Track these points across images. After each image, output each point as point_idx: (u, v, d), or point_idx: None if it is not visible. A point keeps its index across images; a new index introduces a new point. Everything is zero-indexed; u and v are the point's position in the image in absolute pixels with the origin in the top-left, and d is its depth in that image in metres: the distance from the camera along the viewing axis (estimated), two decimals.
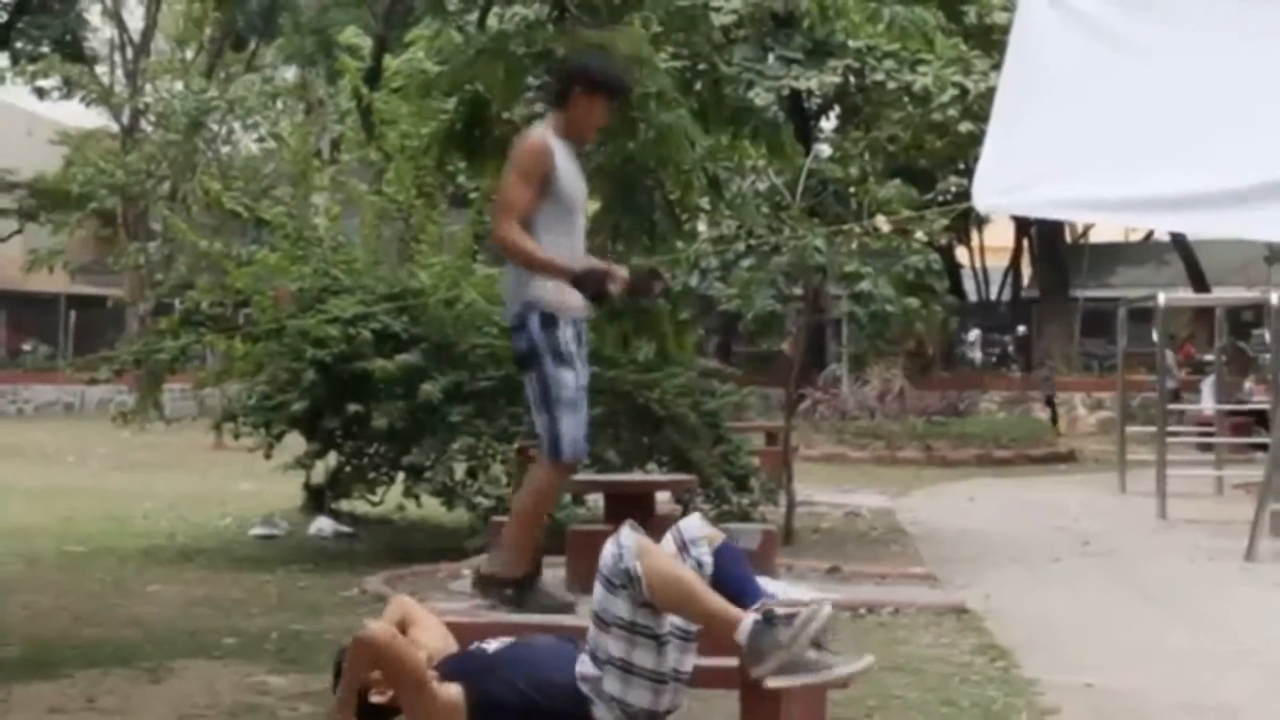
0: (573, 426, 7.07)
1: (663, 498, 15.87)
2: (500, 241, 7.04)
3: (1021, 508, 21.84)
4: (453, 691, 5.50)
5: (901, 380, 33.19)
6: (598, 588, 5.64)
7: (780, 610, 5.64)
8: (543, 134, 7.19)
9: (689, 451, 16.71)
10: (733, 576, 5.83)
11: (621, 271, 7.31)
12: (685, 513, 16.62)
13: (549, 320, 6.84)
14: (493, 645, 5.76)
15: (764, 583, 8.43)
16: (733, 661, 6.19)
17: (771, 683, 5.62)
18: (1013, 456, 29.99)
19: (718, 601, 5.67)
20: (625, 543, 5.58)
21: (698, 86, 17.13)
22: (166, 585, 14.13)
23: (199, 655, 10.72)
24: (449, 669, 5.57)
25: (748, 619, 5.62)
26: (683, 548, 5.77)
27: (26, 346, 49.21)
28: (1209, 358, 32.44)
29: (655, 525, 8.18)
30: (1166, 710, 9.54)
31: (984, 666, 10.77)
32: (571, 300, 7.02)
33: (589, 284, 6.92)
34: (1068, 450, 31.56)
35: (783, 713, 5.99)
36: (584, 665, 5.58)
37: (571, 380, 6.93)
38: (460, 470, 16.12)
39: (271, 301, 16.27)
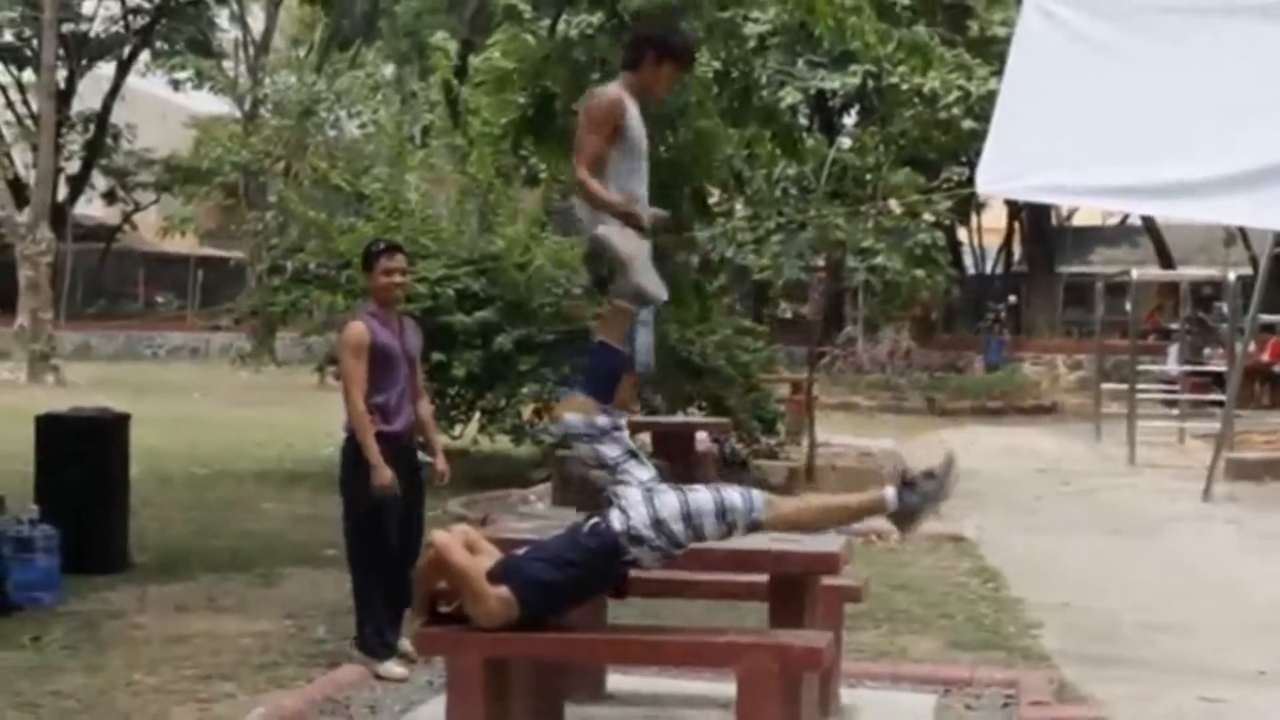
0: (644, 341, 6.95)
1: (701, 437, 15.84)
2: (578, 181, 6.85)
3: (1010, 452, 21.70)
4: (503, 590, 5.48)
5: (908, 341, 32.98)
6: (707, 507, 5.47)
7: (911, 476, 5.60)
8: (618, 90, 6.93)
9: (725, 398, 16.65)
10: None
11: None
12: (721, 450, 16.71)
13: None
14: (522, 550, 5.73)
15: None
16: (763, 576, 6.18)
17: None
18: (1003, 408, 29.75)
19: (852, 500, 5.68)
20: (758, 502, 5.49)
21: (731, 89, 16.98)
22: (277, 503, 14.24)
23: (305, 564, 10.81)
24: (496, 576, 5.54)
25: (889, 490, 5.57)
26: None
27: (160, 299, 49.34)
28: (1174, 326, 32.16)
29: (695, 461, 8.17)
30: (1133, 628, 9.48)
31: (977, 587, 10.74)
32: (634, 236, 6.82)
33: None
34: (1051, 403, 31.34)
35: (806, 620, 5.96)
36: (639, 527, 5.47)
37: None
38: (528, 411, 16.11)
39: None
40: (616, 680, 7.28)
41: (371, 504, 7.66)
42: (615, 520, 5.48)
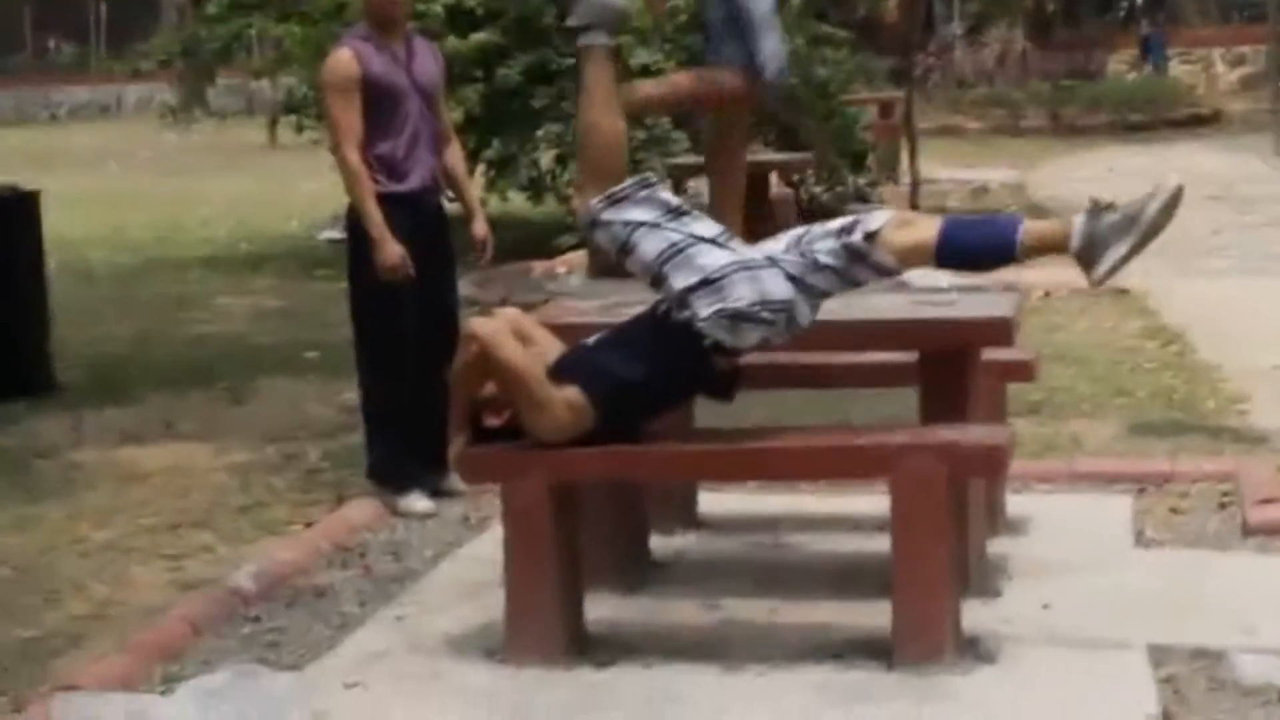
0: (774, 43, 6.60)
1: (773, 180, 15.54)
2: None
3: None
4: (571, 392, 5.23)
5: (1023, 41, 32.47)
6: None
7: (1102, 203, 5.21)
8: None
9: (799, 128, 16.32)
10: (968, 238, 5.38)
11: None
12: (797, 196, 16.42)
13: None
14: (592, 339, 5.48)
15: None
16: (912, 356, 5.91)
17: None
18: (1149, 121, 29.37)
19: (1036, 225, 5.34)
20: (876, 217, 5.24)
21: None
22: (235, 297, 14.06)
23: (280, 372, 10.62)
24: (558, 375, 5.29)
25: (1076, 217, 5.24)
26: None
27: (54, 45, 48.85)
28: None
29: (768, 213, 7.85)
30: None
31: (1155, 352, 10.49)
32: None
33: None
34: (1211, 112, 30.89)
35: (968, 409, 5.71)
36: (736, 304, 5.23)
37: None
38: (547, 160, 15.81)
39: None
40: (708, 500, 7.08)
41: (380, 289, 7.40)
42: (700, 305, 5.19)
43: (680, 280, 5.24)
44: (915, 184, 17.19)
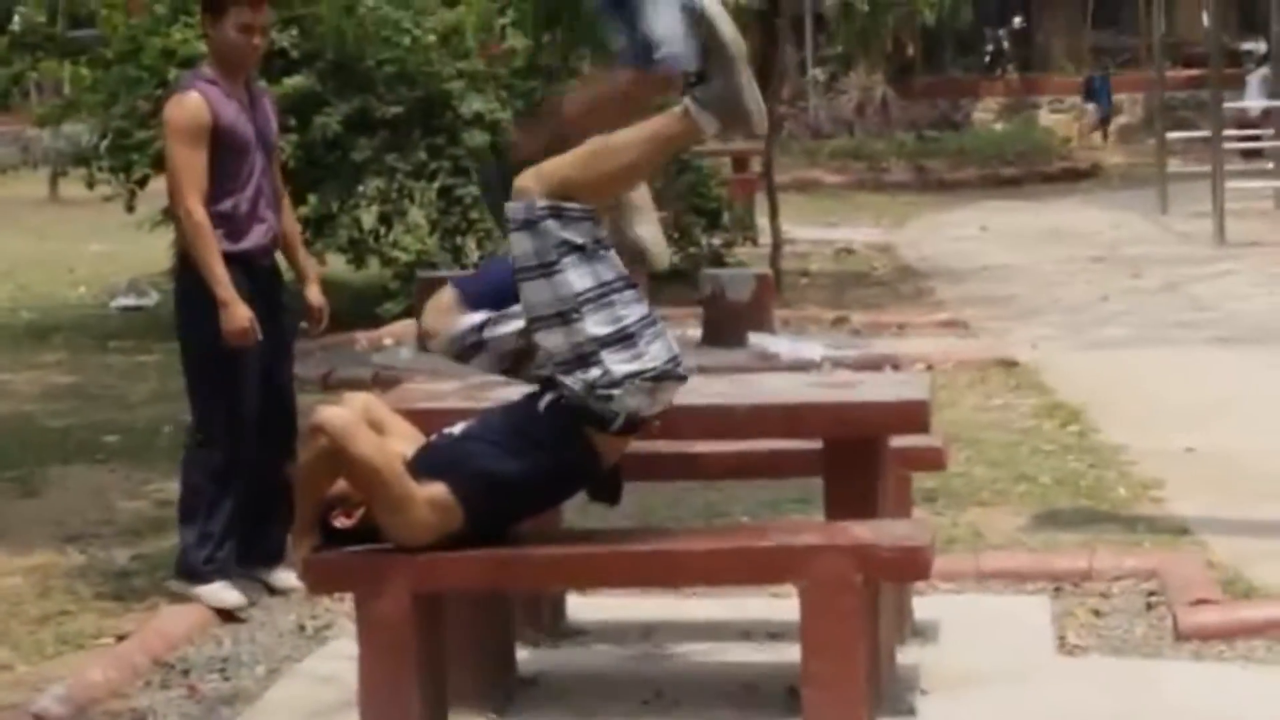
0: (666, 24, 6.40)
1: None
2: None
3: (1047, 236, 21.57)
4: (437, 490, 5.08)
5: (884, 88, 32.73)
6: (523, 290, 5.15)
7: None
8: None
9: (648, 182, 16.27)
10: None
11: None
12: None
13: None
14: (458, 427, 5.34)
15: (763, 339, 7.96)
16: (816, 444, 5.81)
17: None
18: (1022, 174, 29.73)
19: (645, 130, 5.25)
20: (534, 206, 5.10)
21: None
22: (18, 373, 13.80)
23: (77, 459, 10.41)
24: (419, 470, 5.14)
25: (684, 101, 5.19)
26: None
27: None
28: (1249, 47, 32.13)
29: None
30: None
31: (1054, 432, 10.50)
32: None
33: None
34: (1088, 165, 31.28)
35: (877, 502, 5.61)
36: (561, 387, 5.09)
37: None
38: (370, 218, 15.68)
39: (124, 16, 15.62)
40: (575, 604, 6.94)
41: (224, 357, 7.26)
42: (614, 363, 5.05)
43: (596, 327, 5.08)
44: (777, 245, 17.18)
